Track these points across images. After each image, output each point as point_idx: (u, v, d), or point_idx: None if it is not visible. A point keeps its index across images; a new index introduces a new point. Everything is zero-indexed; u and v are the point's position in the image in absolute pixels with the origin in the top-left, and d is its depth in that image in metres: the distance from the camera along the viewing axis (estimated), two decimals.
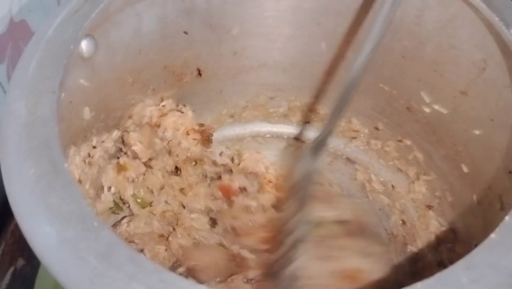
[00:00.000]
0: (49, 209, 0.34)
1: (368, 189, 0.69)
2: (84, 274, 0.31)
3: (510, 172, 0.50)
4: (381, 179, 0.69)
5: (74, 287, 0.31)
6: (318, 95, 0.71)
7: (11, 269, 0.61)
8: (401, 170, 0.69)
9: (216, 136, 0.71)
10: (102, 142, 0.57)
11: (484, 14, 0.49)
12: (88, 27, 0.46)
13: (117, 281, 0.31)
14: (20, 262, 0.61)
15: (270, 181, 0.65)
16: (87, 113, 0.52)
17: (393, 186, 0.68)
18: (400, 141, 0.68)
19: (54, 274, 0.32)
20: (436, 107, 0.60)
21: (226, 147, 0.68)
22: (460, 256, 0.33)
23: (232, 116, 0.74)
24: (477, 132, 0.56)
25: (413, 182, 0.67)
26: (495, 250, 0.33)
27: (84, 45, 0.48)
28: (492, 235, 0.34)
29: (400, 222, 0.65)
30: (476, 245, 0.34)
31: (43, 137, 0.37)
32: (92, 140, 0.55)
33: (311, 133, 0.74)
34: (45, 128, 0.38)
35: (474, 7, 0.50)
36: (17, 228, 0.62)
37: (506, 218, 0.35)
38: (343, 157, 0.72)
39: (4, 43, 0.61)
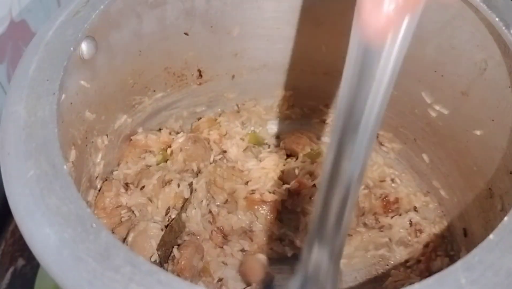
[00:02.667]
0: (48, 210, 0.34)
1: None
2: (83, 275, 0.31)
3: (511, 173, 0.50)
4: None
5: (72, 288, 0.31)
6: (319, 96, 0.71)
7: (11, 269, 0.61)
8: (402, 171, 0.69)
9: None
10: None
11: (484, 15, 0.49)
12: (88, 28, 0.46)
13: (115, 283, 0.31)
14: (20, 262, 0.62)
15: None
16: (88, 115, 0.53)
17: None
18: (401, 141, 0.68)
19: (52, 275, 0.32)
20: (437, 107, 0.60)
21: None
22: (460, 257, 0.33)
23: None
24: (478, 132, 0.55)
25: (414, 183, 0.67)
26: (494, 251, 0.33)
27: (85, 46, 0.48)
28: (491, 236, 0.33)
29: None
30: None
31: (43, 138, 0.37)
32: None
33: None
34: (45, 130, 0.38)
35: (474, 7, 0.50)
36: (17, 228, 0.62)
37: (505, 218, 0.35)
38: None
39: (4, 43, 0.61)
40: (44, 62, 0.42)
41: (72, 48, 0.43)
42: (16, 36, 0.62)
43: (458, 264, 0.32)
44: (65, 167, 0.36)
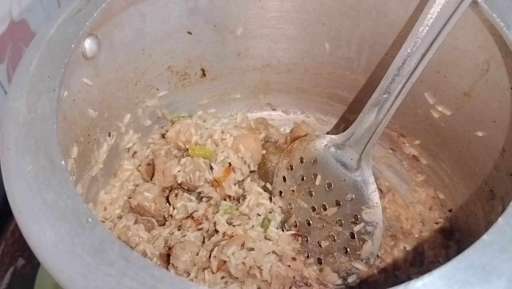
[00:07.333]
0: (45, 205, 0.34)
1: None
2: (78, 269, 0.32)
3: (511, 174, 0.50)
4: (384, 179, 0.69)
5: (67, 282, 0.32)
6: (324, 95, 0.71)
7: (11, 269, 0.61)
8: (404, 171, 0.69)
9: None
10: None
11: (486, 16, 0.49)
12: (90, 26, 0.46)
13: (109, 277, 0.32)
14: (20, 262, 0.62)
15: None
16: (91, 112, 0.53)
17: (395, 187, 0.68)
18: (403, 142, 0.68)
19: (48, 268, 0.33)
20: (439, 108, 0.60)
21: None
22: None
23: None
24: (480, 133, 0.55)
25: (416, 183, 0.67)
26: (487, 251, 0.33)
27: (87, 44, 0.49)
28: (485, 237, 0.33)
29: (402, 223, 0.64)
30: None
31: (42, 134, 0.38)
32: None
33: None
34: (44, 126, 0.38)
35: (476, 8, 0.50)
36: (17, 228, 0.64)
37: (500, 219, 0.34)
38: None
39: (4, 43, 0.61)
40: (45, 59, 0.42)
41: (73, 46, 0.44)
42: (16, 36, 0.63)
43: (452, 263, 0.32)
44: (62, 162, 0.36)
